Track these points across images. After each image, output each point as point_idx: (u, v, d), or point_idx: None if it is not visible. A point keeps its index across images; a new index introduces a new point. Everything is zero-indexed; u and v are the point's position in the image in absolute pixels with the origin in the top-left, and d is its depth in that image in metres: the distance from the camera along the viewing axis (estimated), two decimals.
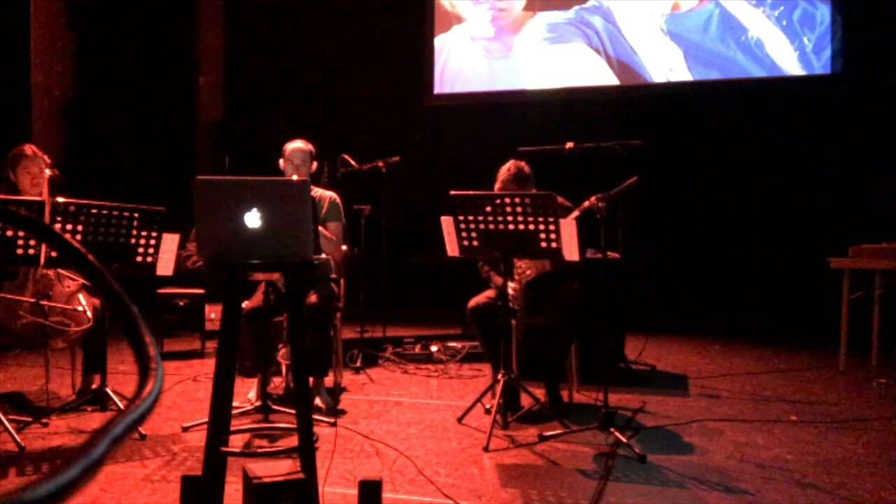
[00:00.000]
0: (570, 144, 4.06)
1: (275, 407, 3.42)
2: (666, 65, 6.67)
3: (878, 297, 4.58)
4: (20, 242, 3.08)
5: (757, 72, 6.42)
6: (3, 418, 3.07)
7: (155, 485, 2.65)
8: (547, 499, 2.53)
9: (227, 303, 2.31)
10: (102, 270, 0.66)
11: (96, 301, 3.57)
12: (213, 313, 5.31)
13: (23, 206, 3.11)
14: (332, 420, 3.40)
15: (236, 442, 3.00)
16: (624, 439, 3.04)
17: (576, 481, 2.71)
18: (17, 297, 3.43)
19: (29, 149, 3.70)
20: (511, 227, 3.18)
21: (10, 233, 3.07)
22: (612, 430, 3.11)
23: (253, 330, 3.56)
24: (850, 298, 4.60)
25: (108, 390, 3.44)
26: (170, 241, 3.31)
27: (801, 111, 6.36)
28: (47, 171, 3.56)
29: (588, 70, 6.87)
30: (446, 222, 3.31)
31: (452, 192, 3.27)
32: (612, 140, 4.16)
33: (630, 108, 6.72)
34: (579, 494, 2.56)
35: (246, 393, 3.77)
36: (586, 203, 3.28)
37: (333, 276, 3.86)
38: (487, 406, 3.54)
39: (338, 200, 3.91)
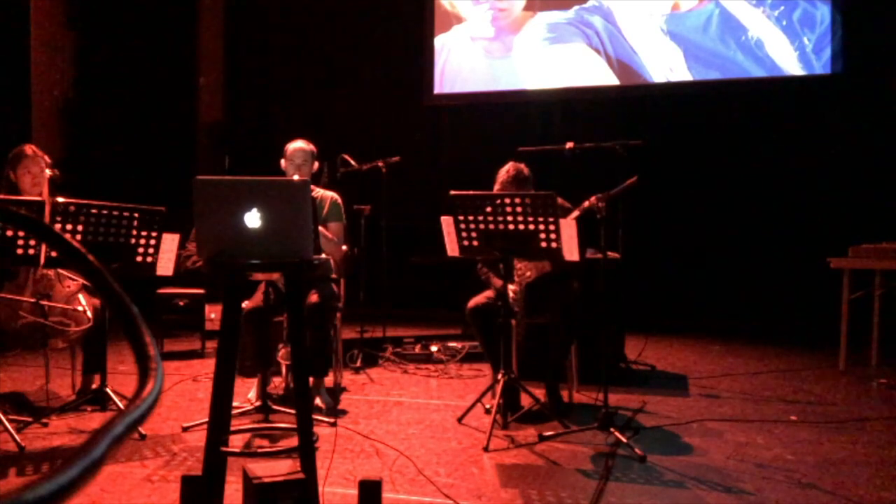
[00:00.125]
0: (570, 144, 4.07)
1: (275, 407, 3.42)
2: (666, 65, 6.67)
3: (878, 297, 4.58)
4: (20, 242, 3.08)
5: (757, 72, 6.42)
6: (3, 418, 3.07)
7: (155, 485, 2.66)
8: (547, 499, 2.53)
9: (227, 303, 2.31)
10: (102, 270, 0.66)
11: (96, 301, 3.57)
12: (213, 313, 5.31)
13: (23, 206, 3.11)
14: (332, 420, 3.41)
15: (236, 442, 3.00)
16: (624, 439, 3.04)
17: (576, 481, 2.71)
18: (18, 297, 3.43)
19: (29, 149, 3.70)
20: (511, 227, 3.18)
21: (10, 233, 3.07)
22: (612, 430, 3.11)
23: (253, 330, 3.56)
24: (850, 298, 4.60)
25: (108, 390, 3.44)
26: (170, 241, 3.31)
27: (801, 111, 6.36)
28: (47, 171, 3.56)
29: (588, 70, 6.87)
30: (446, 222, 3.31)
31: (452, 192, 3.27)
32: (612, 140, 4.16)
33: (630, 108, 6.72)
34: (579, 494, 2.56)
35: (246, 393, 3.77)
36: (586, 203, 3.28)
37: (333, 276, 3.86)
38: (487, 406, 3.54)
39: (339, 201, 3.91)
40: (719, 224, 6.47)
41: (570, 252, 3.16)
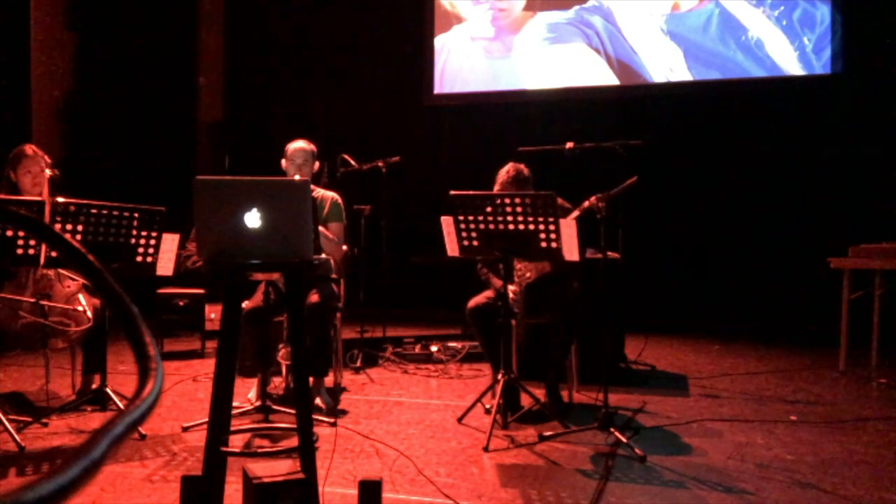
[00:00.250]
0: (570, 144, 4.07)
1: (275, 407, 3.42)
2: (666, 65, 6.67)
3: (878, 297, 4.58)
4: (20, 242, 3.09)
5: (757, 72, 6.42)
6: (3, 418, 3.07)
7: (155, 485, 2.66)
8: (547, 499, 2.53)
9: (227, 303, 2.31)
10: (102, 270, 0.66)
11: (96, 301, 3.57)
12: (213, 313, 5.31)
13: (23, 206, 3.11)
14: (332, 420, 3.41)
15: (236, 442, 3.01)
16: (624, 439, 3.04)
17: (576, 481, 2.71)
18: (18, 297, 3.43)
19: (30, 149, 3.70)
20: (511, 227, 3.18)
21: (10, 233, 3.07)
22: (612, 430, 3.11)
23: (253, 330, 3.56)
24: (850, 298, 4.60)
25: (108, 390, 3.44)
26: (170, 241, 3.31)
27: (801, 111, 6.36)
28: (48, 171, 3.56)
29: (588, 70, 6.87)
30: (446, 222, 3.31)
31: (452, 192, 3.27)
32: (612, 140, 4.16)
33: (630, 108, 6.72)
34: (579, 494, 2.56)
35: (246, 393, 3.77)
36: (586, 203, 3.28)
37: (333, 276, 3.86)
38: (487, 406, 3.54)
39: (339, 201, 3.91)
40: (719, 224, 6.47)
41: (570, 252, 3.16)
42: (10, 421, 3.13)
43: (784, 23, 6.36)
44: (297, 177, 3.69)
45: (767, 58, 6.39)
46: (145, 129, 6.99)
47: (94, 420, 3.49)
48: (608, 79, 6.82)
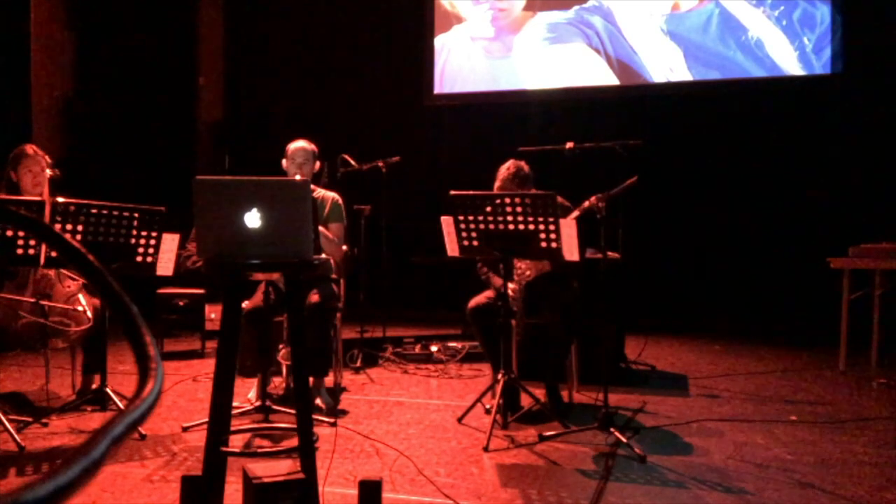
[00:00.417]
0: (570, 144, 4.07)
1: (275, 407, 3.42)
2: (666, 65, 6.67)
3: (878, 297, 4.58)
4: (20, 242, 3.09)
5: (757, 72, 6.42)
6: (3, 418, 3.07)
7: (155, 485, 2.66)
8: (547, 499, 2.53)
9: (227, 303, 2.31)
10: (102, 270, 0.66)
11: (96, 301, 3.57)
12: (213, 313, 5.31)
13: (23, 206, 3.11)
14: (332, 420, 3.41)
15: (236, 442, 3.01)
16: (624, 439, 3.04)
17: (576, 481, 2.71)
18: (18, 297, 3.43)
19: (30, 148, 3.70)
20: (511, 227, 3.18)
21: (10, 233, 3.07)
22: (612, 430, 3.11)
23: (253, 330, 3.56)
24: (850, 298, 4.60)
25: (108, 390, 3.44)
26: (170, 241, 3.31)
27: (801, 111, 6.36)
28: (48, 171, 3.56)
29: (588, 70, 6.87)
30: (446, 222, 3.31)
31: (452, 192, 3.27)
32: (612, 140, 4.16)
33: (630, 108, 6.72)
34: (579, 494, 2.56)
35: (246, 393, 3.77)
36: (586, 203, 3.28)
37: (333, 276, 3.86)
38: (487, 406, 3.54)
39: (340, 201, 3.91)
40: (719, 224, 6.47)
41: (570, 252, 3.16)
42: (10, 421, 3.13)
43: (784, 23, 6.36)
44: (297, 177, 3.70)
45: (767, 58, 6.39)
46: (145, 129, 6.99)
47: (94, 420, 3.49)
48: (608, 79, 6.82)
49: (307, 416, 2.26)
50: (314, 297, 3.59)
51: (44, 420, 3.38)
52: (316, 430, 2.36)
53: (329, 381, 3.93)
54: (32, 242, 3.08)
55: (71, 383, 3.91)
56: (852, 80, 6.12)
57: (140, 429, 3.06)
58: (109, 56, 6.86)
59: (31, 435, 3.19)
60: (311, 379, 3.33)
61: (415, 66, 7.39)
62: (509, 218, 3.18)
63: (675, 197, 6.49)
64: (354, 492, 2.26)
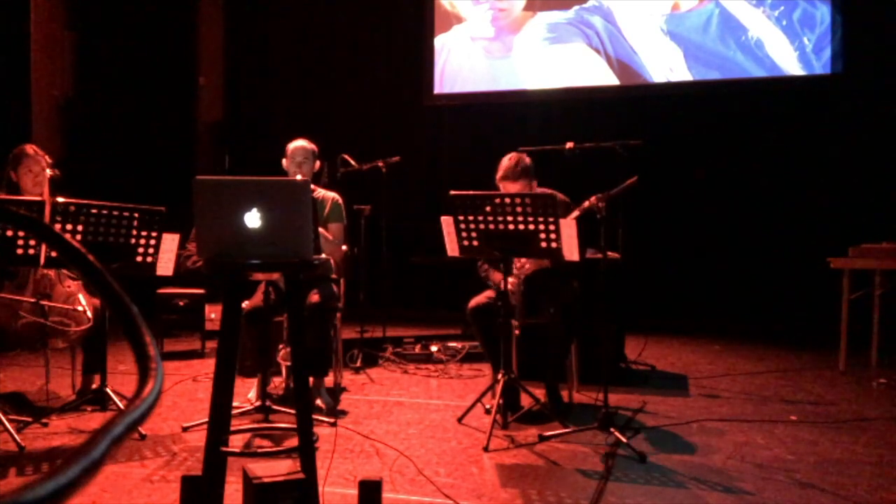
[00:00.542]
0: (570, 144, 4.06)
1: (275, 407, 3.42)
2: (666, 65, 6.67)
3: (878, 297, 4.58)
4: (20, 242, 3.09)
5: (757, 72, 6.42)
6: (3, 418, 3.07)
7: (155, 485, 2.66)
8: (547, 499, 2.53)
9: (227, 303, 2.31)
10: (102, 270, 0.66)
11: (96, 301, 3.57)
12: (213, 313, 5.31)
13: (23, 206, 3.11)
14: (332, 420, 3.41)
15: (236, 442, 3.01)
16: (624, 439, 3.04)
17: (576, 481, 2.71)
18: (18, 297, 3.43)
19: (30, 148, 3.70)
20: (511, 227, 3.18)
21: (10, 233, 3.07)
22: (612, 430, 3.11)
23: (253, 330, 3.56)
24: (850, 298, 4.60)
25: (108, 390, 3.44)
26: (170, 241, 3.31)
27: (801, 111, 6.36)
28: (48, 171, 3.56)
29: (588, 70, 6.87)
30: (446, 222, 3.31)
31: (452, 192, 3.27)
32: (612, 140, 4.16)
33: (630, 108, 6.72)
34: (579, 494, 2.56)
35: (246, 393, 3.77)
36: (586, 203, 3.28)
37: (333, 276, 3.86)
38: (487, 406, 3.54)
39: (340, 201, 3.91)
40: (719, 224, 6.47)
41: (570, 252, 3.16)
42: (10, 421, 3.13)
43: (784, 23, 6.36)
44: (298, 177, 3.70)
45: (767, 58, 6.39)
46: (145, 129, 6.99)
47: (94, 420, 3.49)
48: (608, 79, 6.82)
49: (307, 416, 2.26)
50: (314, 297, 3.59)
51: (44, 420, 3.38)
52: (316, 430, 2.36)
53: (329, 381, 3.93)
54: (32, 242, 3.08)
55: (71, 383, 3.91)
56: (852, 80, 6.12)
57: (140, 429, 3.06)
58: (109, 56, 6.86)
59: (31, 435, 3.19)
60: (311, 379, 3.33)
61: (415, 66, 7.39)
62: (509, 218, 3.18)
63: (675, 197, 6.49)
64: (354, 492, 2.26)
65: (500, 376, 3.33)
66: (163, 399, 3.82)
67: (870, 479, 2.73)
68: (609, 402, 3.19)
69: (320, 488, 2.28)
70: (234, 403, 2.59)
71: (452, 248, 3.34)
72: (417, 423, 3.47)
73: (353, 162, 4.96)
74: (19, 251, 3.09)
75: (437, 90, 7.35)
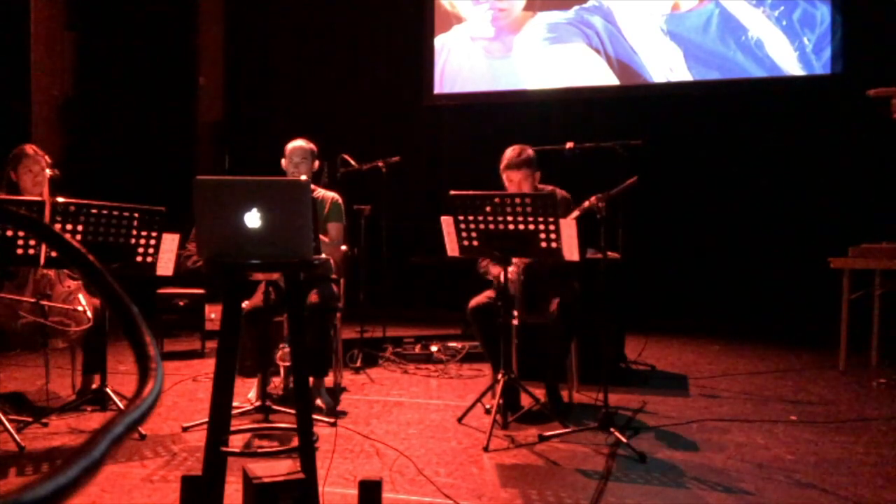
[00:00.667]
0: (570, 144, 4.07)
1: (275, 407, 3.42)
2: (666, 65, 6.67)
3: (878, 297, 4.58)
4: (20, 242, 3.09)
5: (757, 72, 6.42)
6: (3, 418, 3.07)
7: (155, 485, 2.66)
8: (547, 499, 2.53)
9: (227, 303, 2.31)
10: (102, 270, 0.66)
11: (96, 301, 3.57)
12: (213, 313, 5.31)
13: (23, 206, 3.11)
14: (332, 420, 3.41)
15: (236, 442, 3.00)
16: (624, 439, 3.04)
17: (576, 481, 2.71)
18: (18, 297, 3.43)
19: (30, 148, 3.70)
20: (511, 227, 3.18)
21: (10, 233, 3.07)
22: (612, 430, 3.11)
23: (253, 330, 3.56)
24: (850, 298, 4.60)
25: (108, 390, 3.44)
26: (170, 241, 3.31)
27: (801, 111, 6.36)
28: (48, 171, 3.56)
29: (588, 70, 6.87)
30: (446, 222, 3.31)
31: (452, 192, 3.27)
32: (612, 140, 4.16)
33: (630, 108, 6.72)
34: (579, 494, 2.56)
35: (246, 393, 3.77)
36: (586, 203, 3.28)
37: (333, 276, 3.86)
38: (487, 406, 3.54)
39: (339, 201, 3.91)
40: (719, 224, 6.47)
41: (570, 252, 3.16)
42: (10, 421, 3.13)
43: (784, 23, 6.36)
44: (303, 177, 3.70)
45: (767, 58, 6.39)
46: (145, 129, 6.98)
47: (94, 420, 3.49)
48: (608, 79, 6.82)
49: (307, 416, 2.26)
50: (314, 298, 3.59)
51: (44, 420, 3.37)
52: (316, 430, 2.36)
53: (329, 381, 3.93)
54: (32, 242, 3.08)
55: (71, 383, 3.91)
56: (852, 80, 6.12)
57: (140, 429, 3.06)
58: (109, 56, 6.86)
59: (31, 435, 3.19)
60: (311, 379, 3.33)
61: (415, 66, 7.39)
62: (509, 218, 3.18)
63: (675, 197, 6.49)
64: (354, 492, 2.26)
65: (500, 376, 3.33)
66: (163, 399, 3.82)
67: (870, 479, 2.73)
68: (609, 402, 3.19)
69: (320, 488, 2.28)
70: (234, 403, 2.59)
71: (452, 248, 3.34)
72: (417, 423, 3.47)
73: (353, 162, 4.96)
74: (19, 251, 3.09)
75: (437, 90, 7.35)
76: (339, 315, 3.96)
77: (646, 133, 4.55)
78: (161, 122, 7.10)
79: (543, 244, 3.18)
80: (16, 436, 3.03)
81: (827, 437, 3.27)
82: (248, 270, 2.38)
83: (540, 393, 3.53)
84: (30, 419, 3.34)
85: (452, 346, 4.97)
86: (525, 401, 3.59)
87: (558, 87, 6.95)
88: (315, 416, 3.01)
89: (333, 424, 3.35)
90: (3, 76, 6.03)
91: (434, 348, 4.98)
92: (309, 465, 2.20)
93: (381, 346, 5.13)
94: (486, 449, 3.05)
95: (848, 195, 6.06)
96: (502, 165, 3.69)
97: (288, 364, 3.80)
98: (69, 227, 3.09)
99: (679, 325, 6.18)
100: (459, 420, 3.49)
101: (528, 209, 3.15)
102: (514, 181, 3.66)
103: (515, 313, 3.44)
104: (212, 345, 5.05)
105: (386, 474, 2.74)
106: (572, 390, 3.88)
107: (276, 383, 4.02)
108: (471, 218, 3.23)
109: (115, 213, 3.16)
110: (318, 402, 3.61)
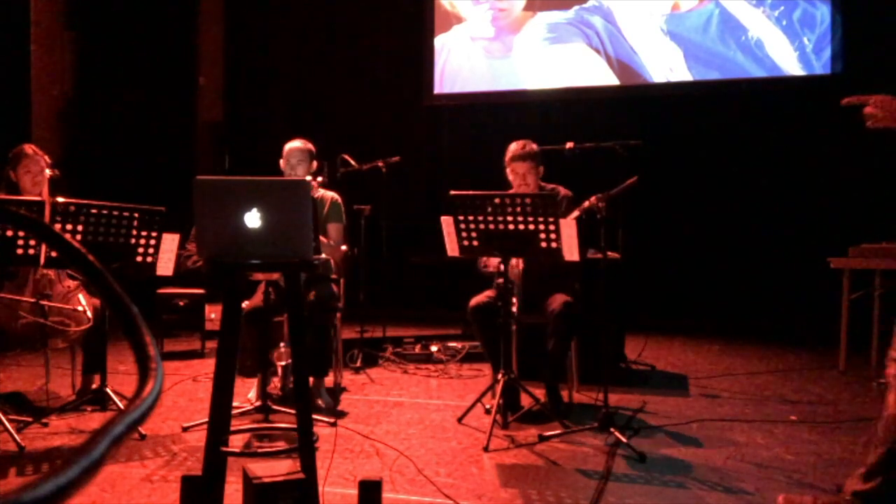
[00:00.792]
0: (570, 144, 4.06)
1: (275, 407, 3.42)
2: (666, 65, 6.67)
3: (878, 297, 4.58)
4: (20, 242, 3.09)
5: (757, 72, 6.42)
6: (3, 418, 3.07)
7: (155, 485, 2.66)
8: (547, 499, 2.53)
9: (227, 303, 2.31)
10: (102, 270, 0.66)
11: (96, 301, 3.57)
12: (213, 313, 5.31)
13: (23, 206, 3.11)
14: (332, 420, 3.40)
15: (236, 442, 3.00)
16: (624, 439, 3.04)
17: (576, 481, 2.71)
18: (17, 297, 3.43)
19: (29, 148, 3.70)
20: (511, 227, 3.19)
21: (10, 233, 3.07)
22: (612, 430, 3.11)
23: (253, 330, 3.56)
24: (850, 298, 4.60)
25: (108, 390, 3.44)
26: (170, 241, 3.31)
27: (801, 111, 6.36)
28: (48, 171, 3.56)
29: (588, 70, 6.87)
30: (446, 222, 3.31)
31: (452, 192, 3.27)
32: (612, 140, 4.15)
33: (630, 108, 6.72)
34: (579, 494, 2.56)
35: (246, 393, 3.77)
36: (586, 203, 3.28)
37: (333, 276, 3.86)
38: (487, 406, 3.54)
39: (339, 201, 3.91)
40: (719, 224, 6.47)
41: (570, 252, 3.16)
42: (10, 421, 3.13)
43: (784, 23, 6.35)
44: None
45: (767, 58, 6.39)
46: (145, 129, 6.99)
47: (94, 420, 3.49)
48: (608, 79, 6.82)
49: (307, 416, 2.26)
50: (312, 297, 3.59)
51: (44, 420, 3.37)
52: (316, 430, 2.36)
53: (329, 381, 3.93)
54: (32, 242, 3.08)
55: (71, 383, 3.91)
56: (852, 80, 6.12)
57: (140, 429, 3.06)
58: (109, 55, 6.86)
59: (31, 435, 3.19)
60: (311, 379, 3.33)
61: (415, 66, 7.39)
62: (509, 218, 3.18)
63: (675, 197, 6.49)
64: (354, 492, 2.26)
65: (500, 376, 3.33)
66: (163, 399, 3.82)
67: None
68: (609, 402, 3.19)
69: (320, 488, 2.28)
70: (234, 403, 2.59)
71: (452, 248, 3.34)
72: (417, 423, 3.47)
73: (353, 162, 4.95)
74: (19, 251, 3.09)
75: (437, 90, 7.35)
76: (339, 315, 3.96)
77: (646, 133, 4.55)
78: (161, 122, 7.10)
79: (543, 244, 3.18)
80: (16, 436, 3.03)
81: (827, 437, 3.27)
82: (248, 270, 2.38)
83: (540, 393, 3.53)
84: (30, 419, 3.34)
85: (452, 346, 4.97)
86: (525, 401, 3.59)
87: (558, 87, 6.95)
88: (315, 416, 3.01)
89: (333, 424, 3.35)
90: (3, 76, 6.03)
91: (434, 348, 4.98)
92: (309, 465, 2.20)
93: (381, 346, 5.13)
94: (486, 449, 3.05)
95: (848, 195, 6.06)
96: (507, 157, 3.74)
97: (284, 363, 3.80)
98: (69, 227, 3.09)
99: (679, 325, 6.18)
100: (459, 420, 3.49)
101: (528, 209, 3.15)
102: (519, 173, 3.69)
103: (514, 300, 3.43)
104: (212, 345, 5.05)
105: (386, 474, 2.74)
106: (572, 390, 3.88)
107: (276, 383, 4.01)
108: (471, 218, 3.23)
109: (115, 213, 3.16)
110: (318, 401, 3.61)
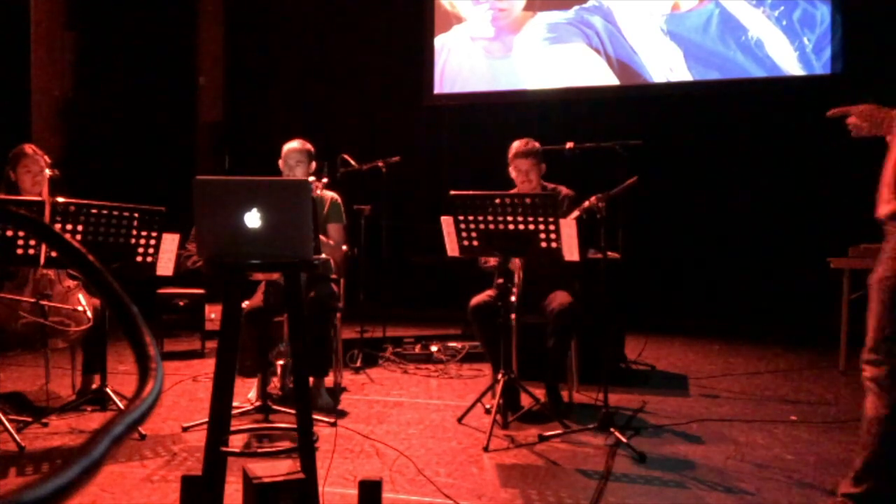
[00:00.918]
0: (570, 144, 4.07)
1: (275, 407, 3.42)
2: (666, 65, 6.67)
3: None
4: (20, 242, 3.09)
5: (757, 72, 6.42)
6: (3, 418, 3.07)
7: (155, 485, 2.66)
8: (547, 499, 2.53)
9: (227, 303, 2.31)
10: (102, 270, 0.66)
11: (96, 301, 3.57)
12: (213, 313, 5.31)
13: (23, 206, 3.11)
14: (332, 420, 3.40)
15: (236, 442, 3.00)
16: (624, 439, 3.04)
17: (576, 481, 2.71)
18: (17, 297, 3.43)
19: (29, 148, 3.70)
20: (511, 227, 3.19)
21: (10, 233, 3.07)
22: (612, 430, 3.11)
23: (253, 330, 3.56)
24: (850, 298, 4.60)
25: (108, 390, 3.44)
26: (170, 241, 3.31)
27: (801, 111, 6.35)
28: (47, 171, 3.56)
29: (588, 70, 6.87)
30: (446, 222, 3.31)
31: (452, 192, 3.27)
32: (612, 140, 4.16)
33: (630, 108, 6.72)
34: (579, 494, 2.56)
35: (246, 393, 3.77)
36: (586, 203, 3.28)
37: (333, 276, 3.86)
38: (487, 406, 3.54)
39: (339, 201, 3.91)
40: (719, 224, 6.47)
41: (571, 252, 3.16)
42: (10, 421, 3.13)
43: (784, 23, 6.35)
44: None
45: (767, 58, 6.39)
46: (145, 129, 6.99)
47: (94, 420, 3.49)
48: (608, 79, 6.82)
49: (307, 416, 2.26)
50: (312, 297, 3.59)
51: (44, 420, 3.37)
52: (316, 430, 2.36)
53: (329, 381, 3.93)
54: (32, 242, 3.08)
55: (71, 383, 3.91)
56: (852, 80, 6.12)
57: (140, 429, 3.06)
58: (109, 56, 6.86)
59: (31, 435, 3.19)
60: (311, 379, 3.33)
61: (415, 66, 7.39)
62: (509, 218, 3.18)
63: (675, 197, 6.49)
64: (354, 492, 2.26)
65: (500, 376, 3.33)
66: (163, 399, 3.82)
67: None
68: (609, 402, 3.19)
69: (320, 488, 2.28)
70: (234, 403, 2.59)
71: (452, 248, 3.34)
72: (417, 423, 3.47)
73: (353, 162, 4.95)
74: (19, 251, 3.09)
75: (437, 90, 7.35)
76: (339, 315, 3.96)
77: (646, 133, 4.54)
78: (161, 123, 7.10)
79: (543, 244, 3.18)
80: (16, 436, 3.03)
81: (827, 437, 3.27)
82: (248, 270, 2.38)
83: (540, 393, 3.53)
84: (30, 419, 3.34)
85: (452, 346, 4.97)
86: (525, 401, 3.59)
87: (558, 87, 6.95)
88: (315, 416, 3.01)
89: (333, 424, 3.35)
90: (3, 76, 6.03)
91: (434, 348, 4.98)
92: (309, 465, 2.20)
93: (381, 346, 5.13)
94: (486, 449, 3.05)
95: (848, 195, 6.03)
96: (510, 154, 3.76)
97: (282, 362, 3.80)
98: (69, 227, 3.09)
99: (679, 325, 6.17)
100: (459, 420, 3.49)
101: (528, 209, 3.15)
102: (522, 170, 3.70)
103: (514, 290, 3.41)
104: (212, 345, 5.05)
105: (386, 474, 2.74)
106: (572, 390, 3.87)
107: (276, 383, 4.01)
108: (471, 218, 3.23)
109: (115, 213, 3.16)
110: (318, 401, 3.61)
